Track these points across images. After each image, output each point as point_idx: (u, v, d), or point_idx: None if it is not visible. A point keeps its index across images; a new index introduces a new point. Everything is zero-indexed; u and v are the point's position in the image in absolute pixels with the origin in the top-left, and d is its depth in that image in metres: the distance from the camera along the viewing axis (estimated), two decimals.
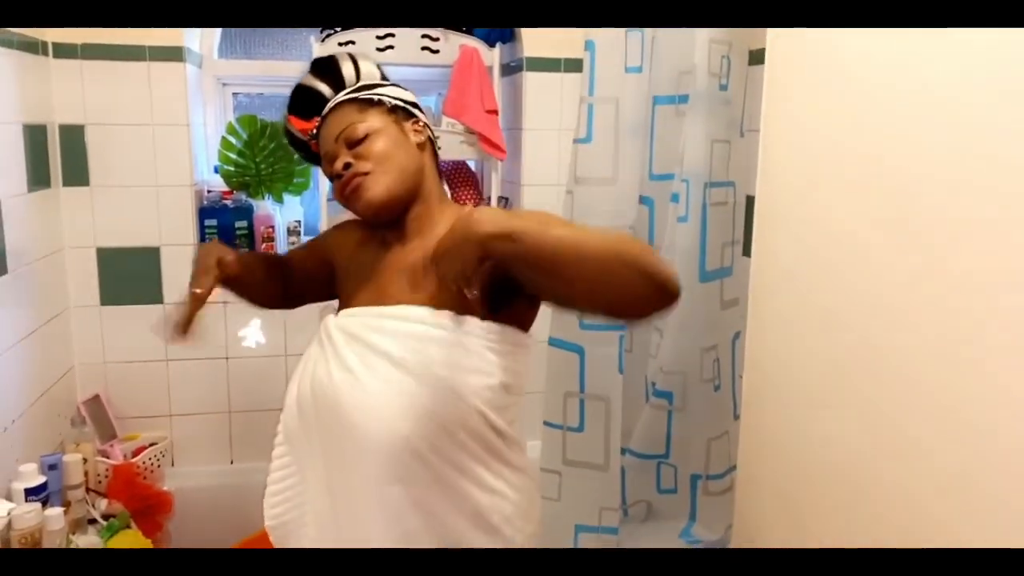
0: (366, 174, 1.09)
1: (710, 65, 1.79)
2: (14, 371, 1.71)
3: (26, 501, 1.56)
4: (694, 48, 1.78)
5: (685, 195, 1.82)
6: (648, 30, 1.83)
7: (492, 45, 2.23)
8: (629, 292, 0.87)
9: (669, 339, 1.92)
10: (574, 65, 2.17)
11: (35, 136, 1.86)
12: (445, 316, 1.04)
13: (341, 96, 1.16)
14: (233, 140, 2.18)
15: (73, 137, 2.00)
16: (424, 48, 2.16)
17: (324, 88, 1.19)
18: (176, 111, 2.05)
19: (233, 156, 2.18)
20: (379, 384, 1.03)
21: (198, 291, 1.09)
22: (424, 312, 1.05)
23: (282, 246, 2.26)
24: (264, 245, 2.22)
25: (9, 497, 1.57)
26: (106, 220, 2.05)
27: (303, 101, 1.21)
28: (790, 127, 1.65)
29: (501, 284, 0.98)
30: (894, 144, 1.32)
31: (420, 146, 1.16)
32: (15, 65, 1.76)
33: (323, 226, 2.13)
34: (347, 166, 1.10)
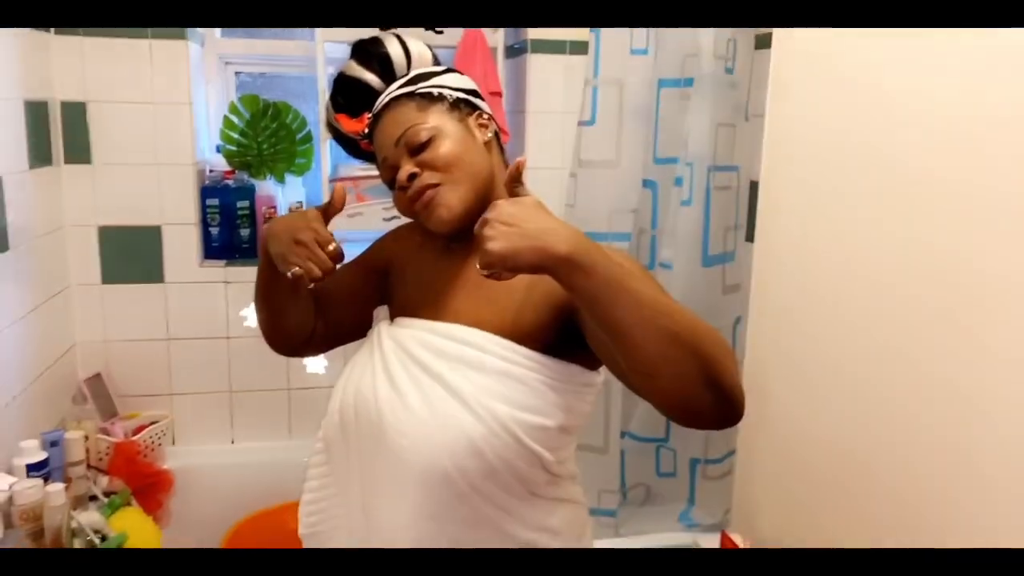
0: (437, 185, 0.97)
1: (716, 48, 1.77)
2: (15, 348, 1.71)
3: (28, 477, 1.57)
4: (700, 31, 1.77)
5: (689, 179, 1.81)
6: None
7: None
8: (689, 383, 0.76)
9: None
10: (579, 47, 2.15)
11: (36, 113, 1.85)
12: (508, 346, 0.95)
13: (395, 90, 1.03)
14: (235, 119, 2.17)
15: (75, 114, 1.99)
16: (428, 29, 2.15)
17: (372, 79, 1.07)
18: (178, 90, 2.04)
19: (235, 136, 2.18)
20: (427, 410, 0.94)
21: (300, 272, 0.96)
22: (485, 338, 0.96)
23: None
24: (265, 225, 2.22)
25: (11, 473, 1.58)
26: (107, 198, 2.05)
27: (349, 94, 1.08)
28: (796, 112, 1.64)
29: (568, 324, 0.93)
30: (899, 132, 1.31)
31: (487, 144, 1.03)
32: (16, 41, 1.75)
33: None
34: (412, 176, 0.98)
